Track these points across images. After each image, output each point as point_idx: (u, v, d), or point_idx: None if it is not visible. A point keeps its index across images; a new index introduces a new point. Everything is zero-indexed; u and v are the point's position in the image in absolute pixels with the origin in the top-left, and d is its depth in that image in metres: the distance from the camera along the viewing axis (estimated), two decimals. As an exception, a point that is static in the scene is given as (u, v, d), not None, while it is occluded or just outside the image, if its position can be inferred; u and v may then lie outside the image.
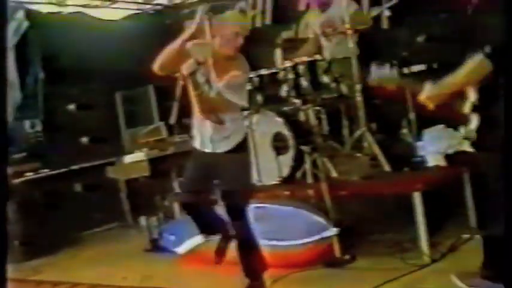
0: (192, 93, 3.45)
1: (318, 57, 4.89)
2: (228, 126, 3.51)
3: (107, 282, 4.44)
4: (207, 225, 3.82)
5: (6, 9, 1.96)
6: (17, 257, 5.20)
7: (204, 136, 3.60)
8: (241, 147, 3.59)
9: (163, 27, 7.36)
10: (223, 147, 3.55)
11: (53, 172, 6.12)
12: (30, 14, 7.08)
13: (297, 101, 4.77)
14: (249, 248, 3.65)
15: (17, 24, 7.26)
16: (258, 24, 6.53)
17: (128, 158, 6.04)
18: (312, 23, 5.60)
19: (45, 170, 6.07)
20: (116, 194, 6.55)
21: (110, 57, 6.79)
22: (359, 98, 4.77)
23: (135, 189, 6.37)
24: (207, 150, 3.59)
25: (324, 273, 3.95)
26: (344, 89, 4.83)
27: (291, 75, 4.77)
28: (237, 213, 3.63)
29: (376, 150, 4.57)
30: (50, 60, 6.94)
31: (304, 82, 4.74)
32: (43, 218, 5.81)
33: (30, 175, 5.93)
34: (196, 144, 3.66)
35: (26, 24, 7.21)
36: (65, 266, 5.35)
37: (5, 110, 1.93)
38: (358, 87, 4.77)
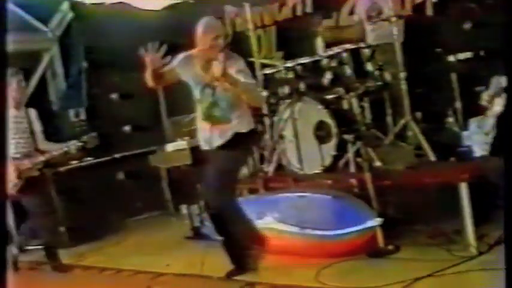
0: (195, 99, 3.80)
1: (361, 44, 4.82)
2: (232, 124, 3.74)
3: (150, 269, 4.51)
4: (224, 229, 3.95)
5: (6, 16, 1.98)
6: (64, 242, 5.32)
7: (205, 135, 3.85)
8: (237, 141, 3.75)
9: (203, 16, 7.37)
10: (218, 142, 3.76)
11: (97, 160, 6.23)
12: (74, 6, 7.22)
13: (340, 89, 4.72)
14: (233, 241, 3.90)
15: (61, 15, 7.41)
16: (299, 12, 6.48)
17: (170, 147, 6.09)
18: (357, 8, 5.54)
19: (89, 159, 6.19)
20: (158, 182, 6.63)
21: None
22: (403, 86, 4.68)
23: (177, 177, 6.43)
24: (205, 148, 3.86)
25: (368, 263, 3.92)
26: (388, 77, 4.75)
27: (334, 63, 4.72)
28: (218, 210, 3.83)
29: (421, 139, 4.49)
30: (93, 51, 7.06)
31: (347, 70, 4.69)
32: (88, 206, 5.94)
33: (75, 163, 6.05)
34: (201, 144, 3.91)
35: (70, 15, 7.35)
36: (109, 252, 5.47)
37: (5, 110, 1.93)
38: (402, 75, 4.68)
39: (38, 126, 5.19)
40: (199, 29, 3.71)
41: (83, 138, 4.89)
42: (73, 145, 4.89)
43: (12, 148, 4.96)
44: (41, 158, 4.96)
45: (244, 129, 3.80)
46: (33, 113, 5.11)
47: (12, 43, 6.95)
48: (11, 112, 4.97)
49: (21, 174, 4.92)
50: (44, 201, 5.05)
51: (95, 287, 4.55)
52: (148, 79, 3.76)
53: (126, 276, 4.58)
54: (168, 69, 3.79)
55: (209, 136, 3.81)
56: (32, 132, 5.04)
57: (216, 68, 3.40)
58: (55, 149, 4.99)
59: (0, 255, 2.22)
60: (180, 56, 3.82)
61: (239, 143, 3.78)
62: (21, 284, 4.92)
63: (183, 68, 3.80)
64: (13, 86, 4.95)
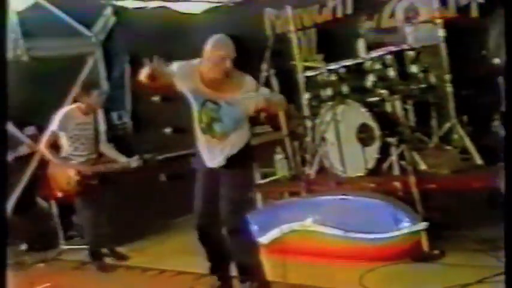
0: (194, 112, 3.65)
1: (405, 46, 4.77)
2: (230, 140, 3.58)
3: (193, 270, 4.54)
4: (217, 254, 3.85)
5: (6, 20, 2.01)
6: (107, 243, 5.41)
7: (206, 152, 3.68)
8: (237, 162, 3.61)
9: (243, 19, 7.42)
10: (220, 161, 3.61)
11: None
12: (117, 10, 7.36)
13: (384, 92, 4.68)
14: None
15: (104, 20, 7.56)
16: (339, 14, 6.45)
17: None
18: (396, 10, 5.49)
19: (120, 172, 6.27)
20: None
21: (191, 50, 6.92)
22: (449, 88, 4.61)
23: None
24: (209, 166, 3.67)
25: (412, 268, 3.87)
26: (433, 79, 4.69)
27: (377, 66, 4.68)
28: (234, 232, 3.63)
29: (468, 143, 4.42)
30: (135, 54, 7.17)
31: (391, 72, 4.65)
32: (131, 207, 6.02)
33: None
34: (202, 160, 3.72)
35: (113, 20, 7.50)
36: (152, 253, 5.55)
37: (5, 110, 1.95)
38: (447, 77, 4.61)
39: (102, 127, 5.33)
40: (209, 44, 3.55)
41: (145, 156, 5.00)
42: (135, 161, 5.01)
43: (73, 151, 5.08)
44: (102, 168, 5.08)
45: (242, 145, 3.67)
46: (100, 114, 5.21)
47: (58, 48, 7.23)
48: (79, 118, 5.07)
49: (83, 180, 5.05)
50: (95, 204, 5.16)
51: (140, 286, 4.60)
52: (143, 74, 3.47)
53: (168, 277, 4.62)
54: (167, 72, 3.54)
55: (210, 153, 3.66)
56: (95, 137, 5.15)
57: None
58: (116, 159, 5.15)
59: (0, 255, 2.24)
60: (182, 63, 3.63)
61: (240, 160, 3.65)
62: (65, 284, 5.04)
63: (183, 77, 3.57)
64: (93, 96, 5.04)
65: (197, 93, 3.57)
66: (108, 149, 5.31)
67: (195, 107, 3.63)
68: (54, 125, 5.01)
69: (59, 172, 5.14)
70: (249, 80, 3.56)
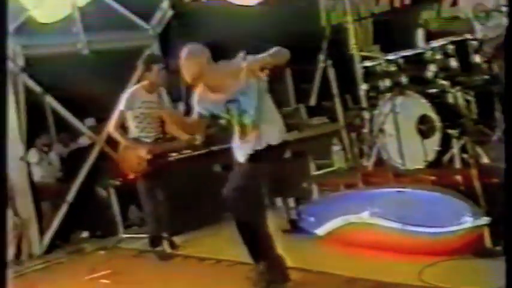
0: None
1: (468, 35, 4.62)
2: (262, 130, 3.61)
3: (248, 261, 4.57)
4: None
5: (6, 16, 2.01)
6: (167, 229, 5.49)
7: (239, 149, 3.76)
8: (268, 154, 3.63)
9: (298, 9, 7.38)
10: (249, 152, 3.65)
11: (196, 153, 6.40)
12: (174, 3, 7.46)
13: (445, 83, 4.56)
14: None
15: (162, 13, 7.68)
16: (397, 4, 6.33)
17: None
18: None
19: (188, 151, 6.36)
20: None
21: (248, 42, 6.93)
22: (514, 79, 4.44)
23: (273, 170, 6.46)
24: (242, 161, 3.74)
25: (474, 264, 3.76)
26: (497, 69, 4.53)
27: (438, 56, 4.56)
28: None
29: (535, 135, 4.24)
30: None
31: (453, 63, 4.52)
32: (186, 197, 6.11)
33: (175, 155, 6.24)
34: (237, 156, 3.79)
35: (170, 13, 7.61)
36: (208, 243, 5.61)
37: (5, 110, 1.96)
38: (513, 67, 4.44)
39: (167, 107, 5.41)
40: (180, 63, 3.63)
41: (209, 131, 5.07)
42: (198, 138, 5.08)
43: (140, 132, 5.17)
44: (170, 146, 5.20)
45: (274, 141, 3.69)
46: (165, 95, 5.25)
47: (116, 41, 7.39)
48: (144, 96, 5.14)
49: (153, 159, 5.11)
50: (159, 188, 5.23)
51: (196, 276, 4.67)
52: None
53: (225, 267, 4.68)
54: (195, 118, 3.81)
55: (243, 149, 3.74)
56: (160, 117, 5.13)
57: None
58: (181, 137, 5.17)
59: (0, 255, 2.26)
60: (195, 98, 3.77)
61: (268, 156, 3.68)
62: (124, 271, 5.18)
63: (203, 104, 3.74)
64: (154, 71, 5.09)
65: (216, 104, 3.69)
66: (173, 128, 5.32)
67: (223, 116, 3.77)
68: (121, 105, 5.10)
69: (129, 153, 5.20)
70: (237, 61, 3.57)
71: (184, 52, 3.64)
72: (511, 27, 2.48)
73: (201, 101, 3.75)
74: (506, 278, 2.23)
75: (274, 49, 3.55)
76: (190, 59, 3.61)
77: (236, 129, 3.74)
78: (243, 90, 3.58)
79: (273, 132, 3.69)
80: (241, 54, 3.56)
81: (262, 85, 3.64)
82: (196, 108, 3.77)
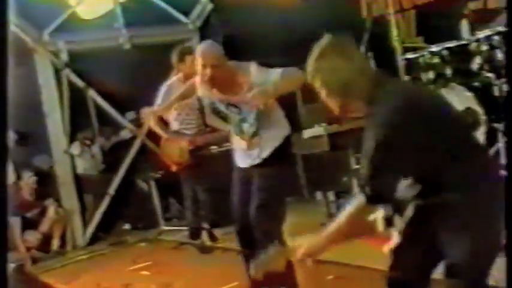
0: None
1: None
2: (263, 139, 3.42)
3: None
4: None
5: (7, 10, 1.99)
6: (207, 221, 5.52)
7: (239, 153, 3.57)
8: (274, 160, 3.43)
9: (340, 2, 7.29)
10: (255, 161, 3.46)
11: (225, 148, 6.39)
12: (214, -3, 7.50)
13: (491, 75, 4.43)
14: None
15: (201, 7, 7.71)
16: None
17: (307, 133, 6.10)
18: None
19: (228, 144, 6.35)
20: (293, 168, 6.67)
21: (288, 34, 6.91)
22: None
23: (312, 163, 6.44)
24: (242, 166, 3.55)
25: None
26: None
27: (484, 47, 4.43)
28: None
29: None
30: (231, 40, 7.26)
31: (499, 54, 4.38)
32: (223, 191, 6.12)
33: (215, 148, 6.26)
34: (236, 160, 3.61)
35: (209, 7, 7.63)
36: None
37: (5, 110, 1.94)
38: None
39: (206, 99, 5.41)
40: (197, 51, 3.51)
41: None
42: None
43: (180, 124, 5.21)
44: (211, 138, 5.19)
45: (277, 143, 3.48)
46: None
47: (157, 35, 7.47)
48: (180, 88, 5.15)
49: (195, 150, 5.12)
50: (200, 181, 5.26)
51: (235, 269, 4.67)
52: None
53: (264, 260, 4.67)
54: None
55: (243, 154, 3.54)
56: (200, 108, 5.12)
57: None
58: (223, 129, 5.14)
59: (1, 256, 2.25)
60: (198, 86, 3.64)
61: (274, 159, 3.46)
62: (165, 262, 5.24)
63: (204, 95, 3.68)
64: (188, 62, 5.04)
65: (215, 99, 3.58)
66: (214, 120, 5.31)
67: (224, 111, 3.60)
68: (158, 99, 5.11)
69: (170, 145, 5.24)
70: (253, 70, 3.41)
71: (203, 44, 3.57)
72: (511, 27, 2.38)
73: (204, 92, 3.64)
74: (506, 278, 2.14)
75: (288, 72, 3.37)
76: (211, 47, 3.50)
77: (234, 131, 3.58)
78: (247, 105, 3.40)
79: (277, 137, 3.50)
80: (252, 67, 3.42)
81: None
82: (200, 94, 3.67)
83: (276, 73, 3.36)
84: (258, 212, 3.43)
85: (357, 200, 2.11)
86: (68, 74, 6.91)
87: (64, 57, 6.92)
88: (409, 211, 2.18)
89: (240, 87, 3.42)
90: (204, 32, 7.70)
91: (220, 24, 7.50)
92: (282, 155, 3.49)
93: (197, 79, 3.62)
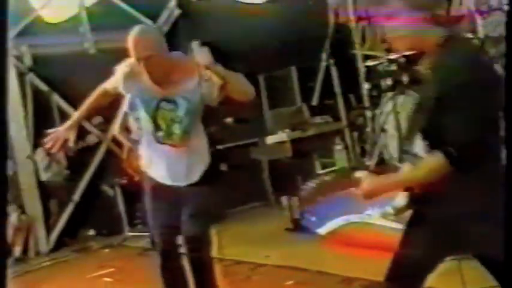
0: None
1: (468, 35, 4.58)
2: (192, 147, 3.16)
3: (250, 260, 4.58)
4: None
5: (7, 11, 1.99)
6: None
7: (161, 166, 3.22)
8: (207, 179, 3.19)
9: (304, 8, 7.36)
10: (186, 180, 3.16)
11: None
12: (181, 2, 7.47)
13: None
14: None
15: (169, 12, 7.69)
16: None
17: (271, 139, 6.15)
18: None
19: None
20: (259, 173, 6.72)
21: (254, 40, 6.95)
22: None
23: (277, 169, 6.48)
24: (167, 183, 3.21)
25: (474, 264, 3.70)
26: (500, 70, 4.47)
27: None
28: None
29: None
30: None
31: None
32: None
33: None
34: (154, 176, 3.28)
35: (177, 12, 7.62)
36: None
37: (5, 109, 1.95)
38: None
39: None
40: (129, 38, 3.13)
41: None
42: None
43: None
44: None
45: (205, 152, 3.26)
46: None
47: (123, 40, 7.40)
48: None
49: None
50: None
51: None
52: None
53: (226, 266, 4.69)
54: (111, 87, 3.37)
55: (171, 168, 3.19)
56: None
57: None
58: None
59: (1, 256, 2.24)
60: (128, 62, 3.23)
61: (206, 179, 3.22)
62: (129, 268, 5.20)
63: (131, 79, 3.21)
64: None
65: (147, 94, 3.15)
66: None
67: (145, 114, 3.18)
68: (125, 106, 5.05)
69: (133, 155, 5.20)
70: (200, 57, 3.26)
71: (137, 28, 3.19)
72: (511, 27, 2.43)
73: (130, 81, 3.21)
74: (506, 277, 2.20)
75: (240, 74, 3.14)
76: (145, 33, 3.18)
77: (159, 135, 3.18)
78: (186, 94, 3.07)
79: (204, 156, 3.25)
80: (200, 47, 3.26)
81: (206, 97, 3.10)
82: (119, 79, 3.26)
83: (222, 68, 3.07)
84: (189, 220, 3.21)
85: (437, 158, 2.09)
86: (31, 78, 6.83)
87: (28, 61, 6.84)
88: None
89: (184, 77, 3.09)
90: (172, 38, 7.68)
91: (188, 30, 7.49)
92: (212, 173, 3.25)
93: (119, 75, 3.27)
